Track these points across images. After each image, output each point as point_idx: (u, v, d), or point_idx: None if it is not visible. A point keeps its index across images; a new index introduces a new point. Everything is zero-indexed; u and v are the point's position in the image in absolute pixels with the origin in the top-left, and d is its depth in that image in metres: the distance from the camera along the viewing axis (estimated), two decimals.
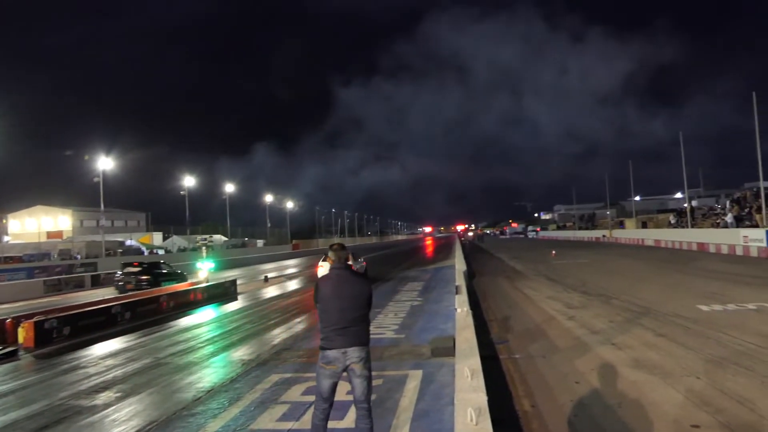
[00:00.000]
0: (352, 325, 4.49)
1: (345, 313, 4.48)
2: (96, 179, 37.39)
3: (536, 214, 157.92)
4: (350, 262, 4.81)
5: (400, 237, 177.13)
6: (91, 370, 8.76)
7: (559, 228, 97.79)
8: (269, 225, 68.86)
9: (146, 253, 45.84)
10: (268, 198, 68.68)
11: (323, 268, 28.34)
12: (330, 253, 4.72)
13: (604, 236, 61.74)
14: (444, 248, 59.11)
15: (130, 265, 22.47)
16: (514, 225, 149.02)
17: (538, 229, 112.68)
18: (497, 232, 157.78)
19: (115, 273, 22.95)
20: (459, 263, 21.59)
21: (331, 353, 4.45)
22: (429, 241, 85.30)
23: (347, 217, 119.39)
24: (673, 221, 48.78)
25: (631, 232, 55.50)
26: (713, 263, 24.37)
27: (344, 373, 4.52)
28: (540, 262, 30.45)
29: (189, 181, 48.28)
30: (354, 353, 4.45)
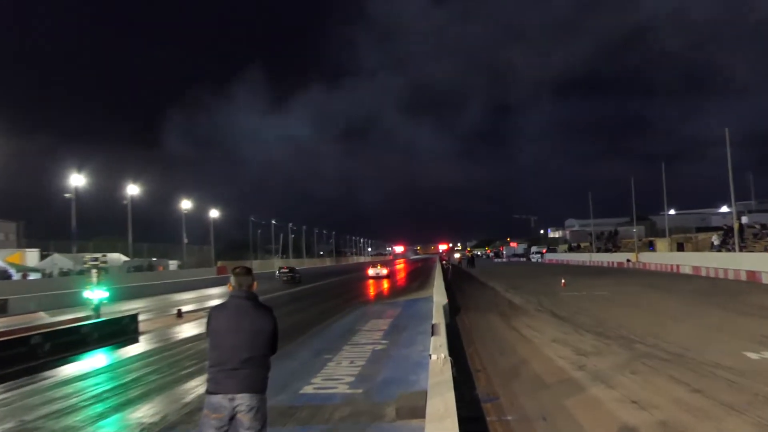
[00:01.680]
0: (246, 366, 4.82)
1: (239, 351, 4.82)
2: None
3: (542, 231, 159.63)
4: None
5: (362, 259, 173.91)
6: None
7: (571, 249, 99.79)
8: (186, 241, 67.48)
9: (15, 276, 44.62)
10: (186, 205, 66.67)
11: (373, 270, 60.74)
12: (231, 278, 5.06)
13: (628, 261, 63.24)
14: (420, 274, 59.86)
15: (283, 268, 60.18)
16: (513, 245, 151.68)
17: (544, 250, 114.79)
18: (491, 254, 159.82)
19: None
20: (438, 295, 21.68)
21: (217, 399, 4.78)
22: (401, 265, 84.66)
23: (292, 231, 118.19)
24: (716, 242, 50.17)
25: (663, 256, 56.82)
26: (767, 297, 25.11)
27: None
28: (545, 293, 30.90)
29: (77, 180, 46.90)
30: (243, 401, 4.77)
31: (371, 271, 59.14)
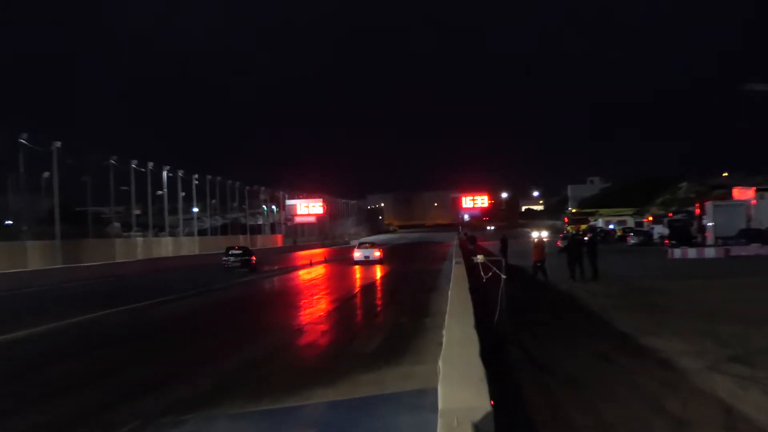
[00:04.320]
0: None
1: None
2: None
3: None
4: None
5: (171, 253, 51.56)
6: None
7: None
8: None
9: None
10: None
11: (360, 252, 41.93)
12: None
13: None
14: (389, 308, 20.18)
15: (233, 248, 41.76)
16: (744, 194, 49.55)
17: None
18: (656, 229, 54.27)
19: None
20: (459, 385, 4.56)
21: None
22: (309, 274, 36.39)
23: None
24: None
25: None
26: None
27: None
28: None
29: None
30: None
31: (357, 254, 40.59)
